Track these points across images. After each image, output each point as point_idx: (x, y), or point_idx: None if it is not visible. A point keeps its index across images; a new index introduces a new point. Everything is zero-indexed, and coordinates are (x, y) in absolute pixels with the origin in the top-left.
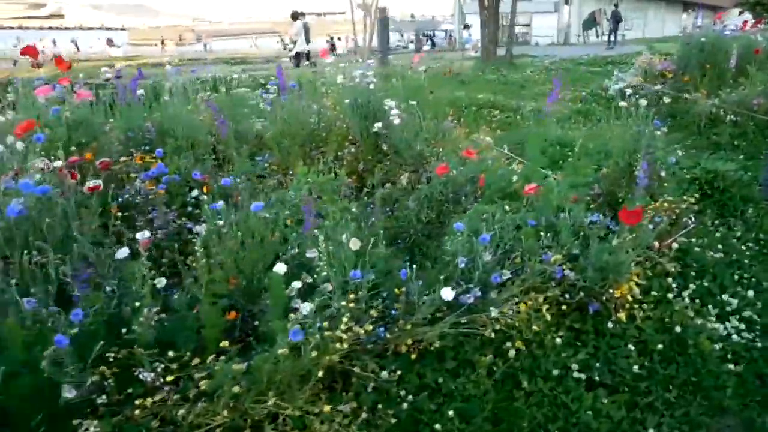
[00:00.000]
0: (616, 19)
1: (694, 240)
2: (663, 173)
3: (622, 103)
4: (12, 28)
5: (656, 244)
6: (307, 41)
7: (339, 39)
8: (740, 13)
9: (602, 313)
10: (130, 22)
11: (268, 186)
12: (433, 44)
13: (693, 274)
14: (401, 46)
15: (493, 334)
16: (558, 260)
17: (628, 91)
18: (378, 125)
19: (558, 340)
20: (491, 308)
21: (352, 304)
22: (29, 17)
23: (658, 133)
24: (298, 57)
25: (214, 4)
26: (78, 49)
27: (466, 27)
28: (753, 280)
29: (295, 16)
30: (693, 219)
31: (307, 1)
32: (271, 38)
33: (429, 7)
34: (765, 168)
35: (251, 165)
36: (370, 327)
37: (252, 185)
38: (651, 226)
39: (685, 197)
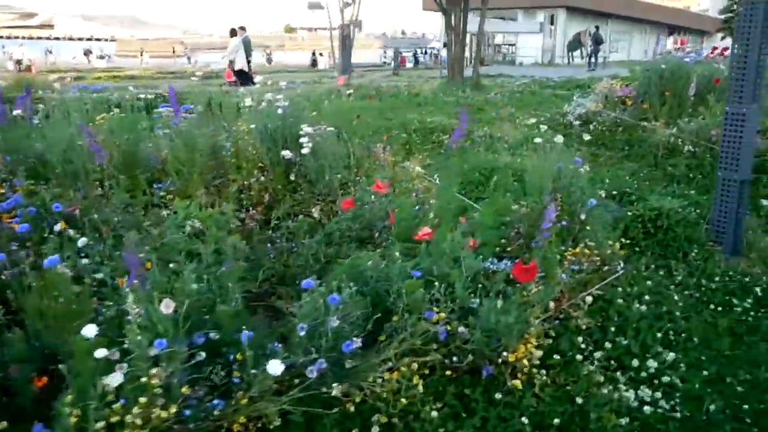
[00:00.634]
0: (597, 42)
1: (621, 289)
2: (583, 216)
3: (537, 140)
4: (1, 37)
5: (552, 304)
6: (248, 58)
7: (321, 54)
8: (722, 38)
9: (498, 378)
10: (121, 33)
11: (157, 218)
12: (417, 62)
13: (613, 329)
14: (387, 63)
15: (353, 408)
16: (442, 318)
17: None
18: (286, 153)
19: (434, 413)
20: (333, 384)
21: (154, 380)
22: (19, 26)
23: (582, 170)
24: (239, 74)
25: (206, 18)
26: (54, 59)
27: (446, 45)
28: (683, 336)
29: (233, 32)
30: (622, 265)
31: (300, 16)
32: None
33: (421, 25)
34: (714, 206)
35: (150, 194)
36: (175, 409)
37: (135, 218)
38: (564, 276)
39: (610, 242)
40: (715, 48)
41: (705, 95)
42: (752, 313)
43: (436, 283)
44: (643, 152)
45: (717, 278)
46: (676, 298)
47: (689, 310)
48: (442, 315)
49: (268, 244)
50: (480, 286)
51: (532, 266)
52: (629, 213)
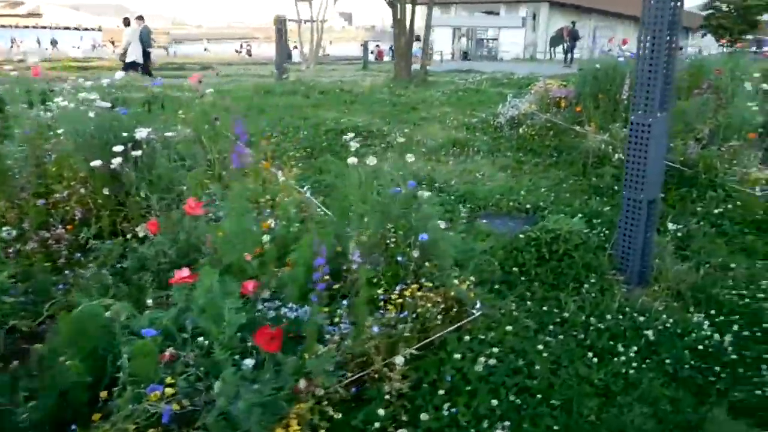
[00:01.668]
0: (573, 37)
1: (468, 337)
2: (416, 253)
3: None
4: None
5: (300, 385)
6: (146, 48)
7: (296, 47)
8: (703, 35)
9: None
10: (108, 22)
11: None
12: (394, 56)
13: (442, 393)
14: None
15: None
16: (169, 393)
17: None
18: (97, 163)
19: None
20: None
21: None
22: (5, 15)
23: (422, 195)
24: (130, 66)
25: (195, 9)
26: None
27: (417, 39)
28: (539, 397)
29: (127, 21)
30: (478, 306)
31: (289, 8)
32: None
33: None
34: (618, 229)
35: None
36: None
37: None
38: (376, 329)
39: (456, 281)
40: None
41: None
42: (635, 364)
43: (200, 339)
44: (572, 159)
45: (610, 316)
46: (542, 346)
47: (562, 360)
48: (170, 390)
49: (71, 271)
50: (250, 345)
51: (276, 333)
52: (521, 235)
